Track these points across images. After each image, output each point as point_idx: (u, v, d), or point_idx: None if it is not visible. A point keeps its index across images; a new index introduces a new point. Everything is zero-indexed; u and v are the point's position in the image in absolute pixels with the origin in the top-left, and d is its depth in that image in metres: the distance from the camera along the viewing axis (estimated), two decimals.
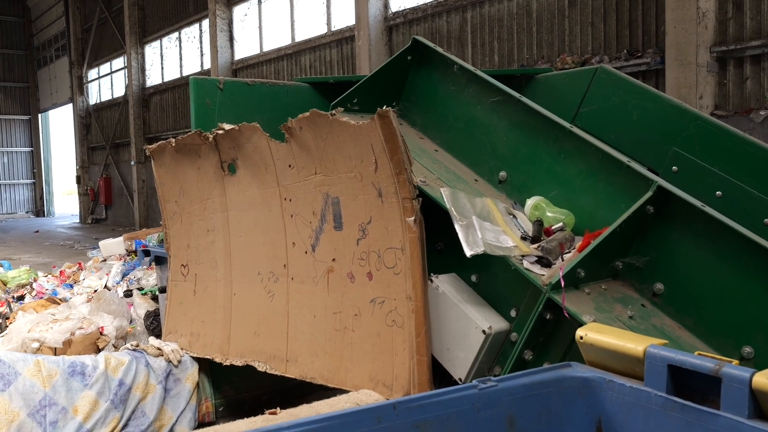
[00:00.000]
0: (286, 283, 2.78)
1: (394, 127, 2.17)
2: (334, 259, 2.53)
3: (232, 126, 2.90)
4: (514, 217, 2.42)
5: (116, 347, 6.45)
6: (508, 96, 2.65)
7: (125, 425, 3.07)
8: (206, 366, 3.36)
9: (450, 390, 1.46)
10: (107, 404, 3.01)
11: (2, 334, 7.38)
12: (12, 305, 7.98)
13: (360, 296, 2.42)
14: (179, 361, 3.29)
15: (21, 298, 8.19)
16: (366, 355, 2.39)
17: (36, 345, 6.15)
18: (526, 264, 2.16)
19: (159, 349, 3.31)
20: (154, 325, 6.46)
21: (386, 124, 2.18)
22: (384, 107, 2.18)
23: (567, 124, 2.46)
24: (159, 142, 3.43)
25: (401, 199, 2.21)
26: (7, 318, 7.67)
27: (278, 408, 2.17)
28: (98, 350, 6.37)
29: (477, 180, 2.71)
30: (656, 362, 1.50)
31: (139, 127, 20.09)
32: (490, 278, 2.32)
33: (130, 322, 6.76)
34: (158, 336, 6.65)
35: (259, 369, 2.89)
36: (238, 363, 3.02)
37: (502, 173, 2.67)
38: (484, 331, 2.15)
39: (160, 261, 4.48)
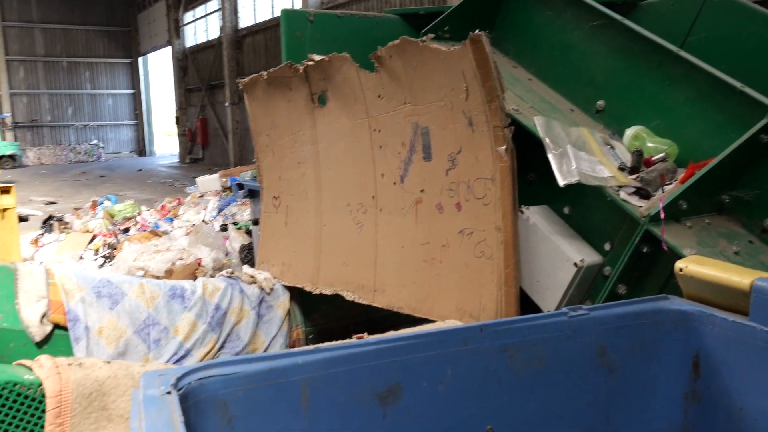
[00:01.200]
0: (374, 214, 2.79)
1: (487, 52, 2.10)
2: (422, 190, 2.51)
3: (322, 57, 2.89)
4: (612, 147, 2.31)
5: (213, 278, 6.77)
6: (609, 19, 2.50)
7: (221, 347, 3.22)
8: (297, 295, 3.46)
9: (539, 316, 1.43)
10: (205, 326, 3.15)
11: (111, 263, 7.88)
12: (119, 237, 8.47)
13: (448, 227, 2.40)
14: (271, 289, 3.39)
15: (126, 230, 8.67)
16: (453, 286, 2.38)
17: (141, 273, 6.53)
18: (623, 195, 2.07)
19: (252, 277, 3.42)
20: (248, 258, 6.72)
21: (478, 49, 2.11)
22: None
23: (674, 48, 2.30)
24: (252, 76, 3.47)
25: (492, 127, 2.14)
26: (115, 248, 8.16)
27: (366, 333, 2.20)
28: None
29: (573, 110, 2.60)
30: (764, 296, 1.41)
31: (232, 69, 20.51)
32: (583, 210, 2.24)
33: (226, 254, 7.06)
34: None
35: (347, 298, 2.95)
36: (327, 292, 3.09)
37: (600, 102, 2.55)
38: (575, 264, 2.09)
39: (254, 194, 4.61)
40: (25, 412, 1.60)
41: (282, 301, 3.42)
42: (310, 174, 3.23)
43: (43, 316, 2.86)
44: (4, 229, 3.92)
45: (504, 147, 2.12)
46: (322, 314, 3.61)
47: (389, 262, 2.72)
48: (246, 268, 3.56)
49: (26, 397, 1.59)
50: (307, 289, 3.23)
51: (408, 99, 2.49)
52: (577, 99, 2.62)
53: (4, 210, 3.97)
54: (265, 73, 3.30)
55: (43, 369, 1.63)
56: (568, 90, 2.66)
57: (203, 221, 8.16)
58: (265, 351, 3.35)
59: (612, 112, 2.51)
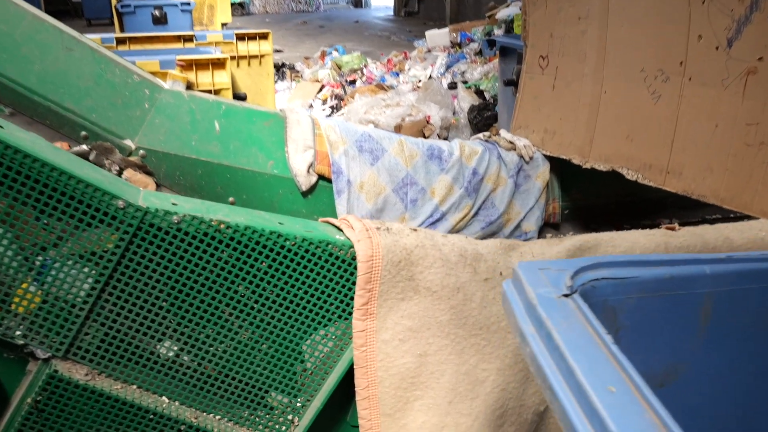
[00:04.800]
0: (679, 84, 2.37)
1: None
2: (760, 58, 2.04)
3: None
4: None
5: (440, 136, 6.67)
6: None
7: (476, 213, 3.08)
8: (556, 166, 3.18)
9: None
10: (461, 191, 3.01)
11: (338, 113, 8.07)
12: (345, 88, 8.61)
13: None
14: (531, 158, 3.14)
15: (353, 82, 8.78)
16: None
17: (371, 126, 6.58)
18: None
19: (511, 143, 3.18)
20: (477, 119, 6.50)
21: None
22: None
23: None
24: None
25: None
26: (342, 99, 8.33)
27: (675, 224, 1.90)
28: (424, 137, 6.64)
29: None
30: None
31: None
32: None
33: (453, 113, 6.88)
34: (479, 131, 6.71)
35: (628, 177, 2.61)
36: (601, 167, 2.77)
37: None
38: None
39: (506, 52, 4.28)
40: (335, 273, 1.54)
41: (541, 172, 3.17)
42: (593, 32, 2.82)
43: (310, 166, 2.87)
44: (261, 75, 3.99)
45: None
46: (582, 190, 3.32)
47: (693, 142, 2.33)
48: (504, 133, 3.32)
49: (336, 257, 1.52)
50: (575, 161, 2.93)
51: None
52: None
53: (262, 56, 4.02)
54: None
55: (354, 231, 1.54)
56: None
57: (430, 77, 7.98)
58: (519, 223, 3.16)
59: None
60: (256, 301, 1.50)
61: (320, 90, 8.67)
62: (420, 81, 8.02)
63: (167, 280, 1.43)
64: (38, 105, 2.61)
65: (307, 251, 1.48)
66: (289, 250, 1.47)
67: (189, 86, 2.94)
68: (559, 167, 3.20)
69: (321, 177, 2.90)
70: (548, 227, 3.28)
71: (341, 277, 1.53)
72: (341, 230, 1.59)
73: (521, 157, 3.14)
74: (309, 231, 1.50)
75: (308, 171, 2.87)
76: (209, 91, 3.10)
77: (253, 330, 1.53)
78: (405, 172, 2.97)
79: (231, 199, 2.91)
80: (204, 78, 3.07)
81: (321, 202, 2.96)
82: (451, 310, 1.51)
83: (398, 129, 6.57)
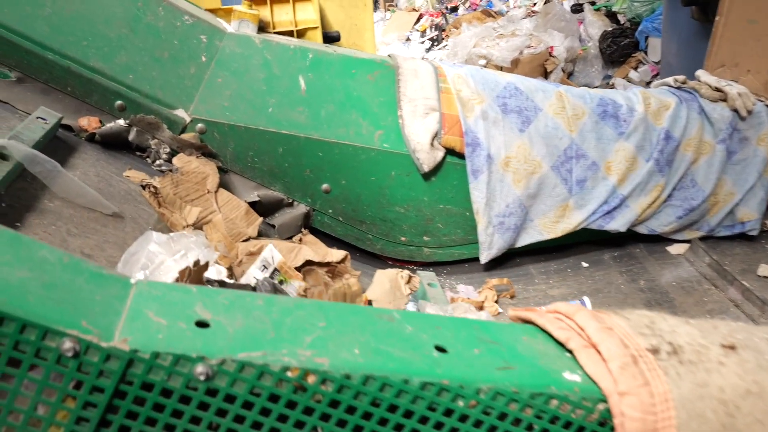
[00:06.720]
0: None
1: None
2: None
3: None
4: None
5: (564, 71, 5.59)
6: None
7: (669, 196, 2.15)
8: None
9: None
10: (649, 165, 2.09)
11: (440, 47, 7.06)
12: (447, 16, 7.57)
13: None
14: (749, 112, 2.15)
15: (455, 9, 7.70)
16: None
17: (482, 63, 5.58)
18: None
19: (718, 90, 2.20)
20: (611, 48, 5.36)
21: None
22: None
23: None
24: None
25: None
26: (443, 30, 7.30)
27: None
28: (546, 74, 5.59)
29: None
30: None
31: None
32: None
33: (580, 42, 5.77)
34: (613, 63, 5.58)
35: None
36: None
37: None
38: None
39: None
40: None
41: (766, 132, 2.18)
42: None
43: (434, 136, 2.01)
44: (357, 6, 3.10)
45: None
46: None
47: None
48: (704, 75, 2.32)
49: (567, 425, 0.68)
50: None
51: None
52: None
53: None
54: None
55: (605, 364, 0.68)
56: None
57: (548, 0, 6.81)
58: (733, 209, 2.20)
59: None
60: None
61: (418, 20, 7.71)
62: (534, 4, 6.86)
63: None
64: (53, 65, 1.85)
65: (503, 417, 0.65)
66: (464, 419, 0.65)
67: (262, 27, 2.11)
68: None
69: (449, 151, 2.05)
70: None
71: None
72: (566, 347, 0.73)
73: (735, 111, 2.16)
74: (504, 366, 0.66)
75: (432, 143, 2.01)
76: (290, 34, 2.27)
77: None
78: (568, 139, 2.06)
79: (325, 186, 2.11)
80: (282, 14, 2.23)
81: (449, 187, 2.10)
82: None
83: (515, 64, 5.55)
